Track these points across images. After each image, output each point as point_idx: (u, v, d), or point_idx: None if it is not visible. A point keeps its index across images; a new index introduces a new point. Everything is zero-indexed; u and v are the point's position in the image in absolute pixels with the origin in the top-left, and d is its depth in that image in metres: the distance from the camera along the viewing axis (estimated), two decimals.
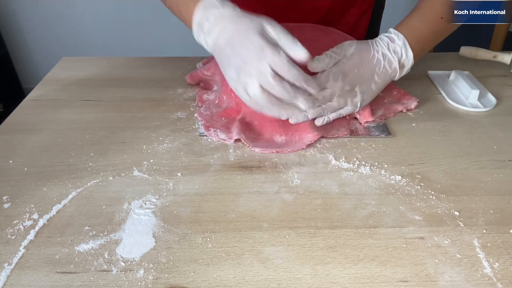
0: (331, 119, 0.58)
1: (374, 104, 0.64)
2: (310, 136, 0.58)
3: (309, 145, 0.57)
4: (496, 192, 0.49)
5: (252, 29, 0.48)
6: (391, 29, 0.60)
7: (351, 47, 0.57)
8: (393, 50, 0.58)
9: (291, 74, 0.49)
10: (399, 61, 0.59)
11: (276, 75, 0.48)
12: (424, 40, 0.61)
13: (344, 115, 0.59)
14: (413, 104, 0.66)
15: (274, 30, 0.49)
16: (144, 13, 2.04)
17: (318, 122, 0.57)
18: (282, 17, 0.82)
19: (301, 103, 0.52)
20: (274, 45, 0.48)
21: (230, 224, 0.45)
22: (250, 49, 0.48)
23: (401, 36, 0.59)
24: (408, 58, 0.59)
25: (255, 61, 0.48)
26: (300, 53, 0.48)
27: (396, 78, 0.61)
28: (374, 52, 0.58)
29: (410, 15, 0.62)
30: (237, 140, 0.58)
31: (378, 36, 0.60)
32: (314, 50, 0.54)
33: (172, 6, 0.62)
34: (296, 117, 0.54)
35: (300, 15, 0.81)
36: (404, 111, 0.66)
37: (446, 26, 0.62)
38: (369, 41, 0.59)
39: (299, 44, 0.48)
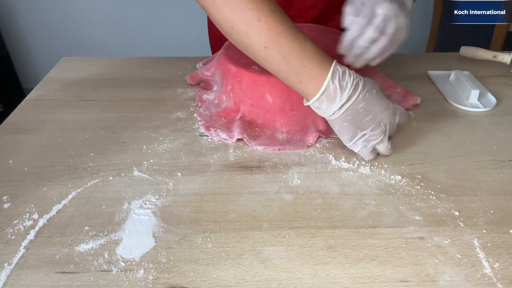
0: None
1: None
2: (310, 138, 0.58)
3: (309, 145, 0.57)
4: (496, 192, 0.49)
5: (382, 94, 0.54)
6: None
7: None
8: None
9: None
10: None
11: None
12: None
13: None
14: (418, 99, 0.67)
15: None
16: (144, 13, 2.04)
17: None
18: None
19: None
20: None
21: (230, 224, 0.45)
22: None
23: None
24: None
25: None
26: None
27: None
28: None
29: None
30: (239, 140, 0.58)
31: None
32: None
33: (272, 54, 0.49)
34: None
35: (297, 13, 0.81)
36: (411, 108, 0.66)
37: None
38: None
39: None
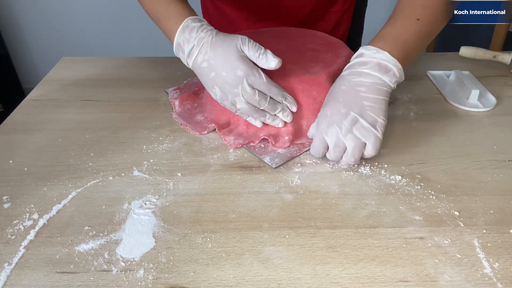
0: None
1: None
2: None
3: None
4: (496, 192, 0.49)
5: (231, 53, 0.53)
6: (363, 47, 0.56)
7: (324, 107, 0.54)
8: (377, 65, 0.53)
9: (271, 92, 0.54)
10: (383, 71, 0.53)
11: (259, 91, 0.54)
12: (402, 42, 0.54)
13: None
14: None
15: (248, 48, 0.53)
16: (144, 13, 2.03)
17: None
18: (267, 17, 0.82)
19: (281, 115, 0.57)
20: (252, 67, 0.53)
21: (230, 224, 0.45)
22: (232, 73, 0.53)
23: (379, 49, 0.54)
24: (393, 68, 0.53)
25: (239, 83, 0.53)
26: (271, 64, 0.52)
27: (393, 84, 0.54)
28: (352, 83, 0.53)
29: (386, 24, 0.58)
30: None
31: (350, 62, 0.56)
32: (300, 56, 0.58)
33: (150, 14, 0.64)
34: (278, 123, 0.57)
35: (285, 15, 0.81)
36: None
37: (426, 27, 0.56)
38: (338, 80, 0.56)
39: (269, 55, 0.53)
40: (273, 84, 0.55)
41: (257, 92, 0.53)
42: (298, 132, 0.58)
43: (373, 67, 0.52)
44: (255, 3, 0.80)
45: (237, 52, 0.53)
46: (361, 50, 0.55)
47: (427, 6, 0.56)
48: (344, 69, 0.56)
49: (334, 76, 0.58)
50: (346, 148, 0.51)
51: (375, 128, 0.50)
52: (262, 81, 0.53)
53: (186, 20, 0.56)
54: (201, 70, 0.56)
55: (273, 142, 0.56)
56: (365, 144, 0.50)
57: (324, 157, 0.54)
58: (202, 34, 0.55)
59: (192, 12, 0.58)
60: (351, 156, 0.50)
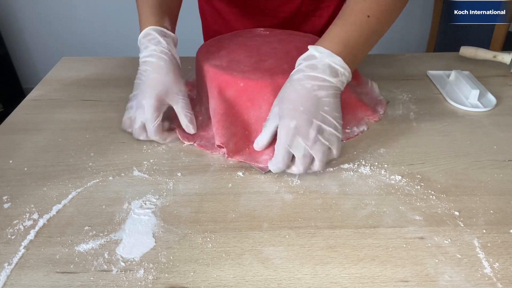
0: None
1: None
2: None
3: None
4: (496, 192, 0.49)
5: (155, 91, 0.57)
6: (310, 47, 0.53)
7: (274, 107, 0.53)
8: (321, 66, 0.51)
9: (155, 138, 0.58)
10: (332, 72, 0.51)
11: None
12: (352, 46, 0.52)
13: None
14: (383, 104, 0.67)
15: (176, 106, 0.58)
16: None
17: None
18: (256, 12, 0.81)
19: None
20: (155, 117, 0.56)
21: (230, 224, 0.45)
22: (145, 102, 0.56)
23: (324, 49, 0.52)
24: (340, 68, 0.51)
25: (143, 112, 0.57)
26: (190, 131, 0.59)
27: (343, 87, 0.53)
28: (295, 84, 0.52)
29: (333, 22, 0.55)
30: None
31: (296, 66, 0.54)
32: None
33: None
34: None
35: (271, 11, 0.81)
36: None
37: (375, 25, 0.54)
38: (288, 81, 0.53)
39: (190, 127, 0.58)
40: (156, 136, 0.57)
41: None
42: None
43: (325, 70, 0.51)
44: (251, 2, 0.81)
45: (161, 94, 0.57)
46: (312, 51, 0.52)
47: (379, 2, 0.54)
48: (294, 72, 0.53)
49: None
50: (313, 158, 0.50)
51: (338, 131, 0.51)
52: (151, 130, 0.57)
53: (148, 28, 0.59)
54: (140, 75, 0.59)
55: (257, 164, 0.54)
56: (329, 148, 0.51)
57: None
58: (154, 54, 0.58)
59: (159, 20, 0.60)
60: (320, 164, 0.50)
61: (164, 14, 0.61)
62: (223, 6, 0.85)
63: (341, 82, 0.52)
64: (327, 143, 0.50)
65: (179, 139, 0.59)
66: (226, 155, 0.55)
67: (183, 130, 0.59)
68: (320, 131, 0.50)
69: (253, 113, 0.57)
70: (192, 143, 0.59)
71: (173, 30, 0.63)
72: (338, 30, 0.54)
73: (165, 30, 0.60)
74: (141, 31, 0.60)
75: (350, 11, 0.54)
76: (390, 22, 0.57)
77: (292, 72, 0.53)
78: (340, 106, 0.52)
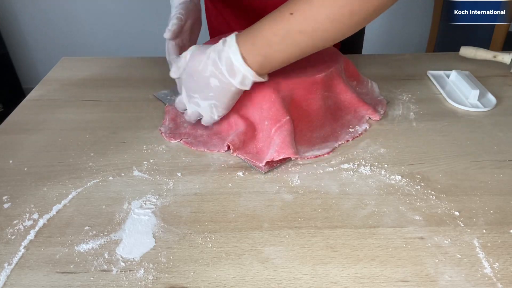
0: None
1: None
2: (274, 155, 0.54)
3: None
4: (496, 192, 0.49)
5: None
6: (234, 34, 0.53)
7: (187, 54, 0.56)
8: (224, 57, 0.51)
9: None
10: (229, 68, 0.51)
11: None
12: (266, 42, 0.50)
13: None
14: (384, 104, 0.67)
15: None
16: (144, 13, 2.04)
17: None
18: (259, 17, 0.82)
19: None
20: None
21: (230, 224, 0.45)
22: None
23: (233, 41, 0.51)
24: (238, 65, 0.50)
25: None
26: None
27: (237, 85, 0.52)
28: (205, 59, 0.53)
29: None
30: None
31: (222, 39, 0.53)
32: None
33: None
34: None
35: (260, 4, 0.80)
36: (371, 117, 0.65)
37: (298, 24, 0.48)
38: (208, 46, 0.54)
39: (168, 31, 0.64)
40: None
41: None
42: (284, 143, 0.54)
43: (227, 65, 0.50)
44: (246, 3, 0.81)
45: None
46: (231, 37, 0.51)
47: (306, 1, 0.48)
48: (212, 46, 0.53)
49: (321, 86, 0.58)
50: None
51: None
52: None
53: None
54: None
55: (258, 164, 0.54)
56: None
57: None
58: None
59: None
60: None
61: None
62: (223, 6, 0.85)
63: (241, 83, 0.52)
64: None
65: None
66: (232, 151, 0.55)
67: (168, 132, 0.60)
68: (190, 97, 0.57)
69: (254, 112, 0.57)
70: (178, 140, 0.59)
71: None
72: (257, 26, 0.51)
73: None
74: None
75: (279, 7, 0.51)
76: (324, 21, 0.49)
77: (213, 46, 0.53)
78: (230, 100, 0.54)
